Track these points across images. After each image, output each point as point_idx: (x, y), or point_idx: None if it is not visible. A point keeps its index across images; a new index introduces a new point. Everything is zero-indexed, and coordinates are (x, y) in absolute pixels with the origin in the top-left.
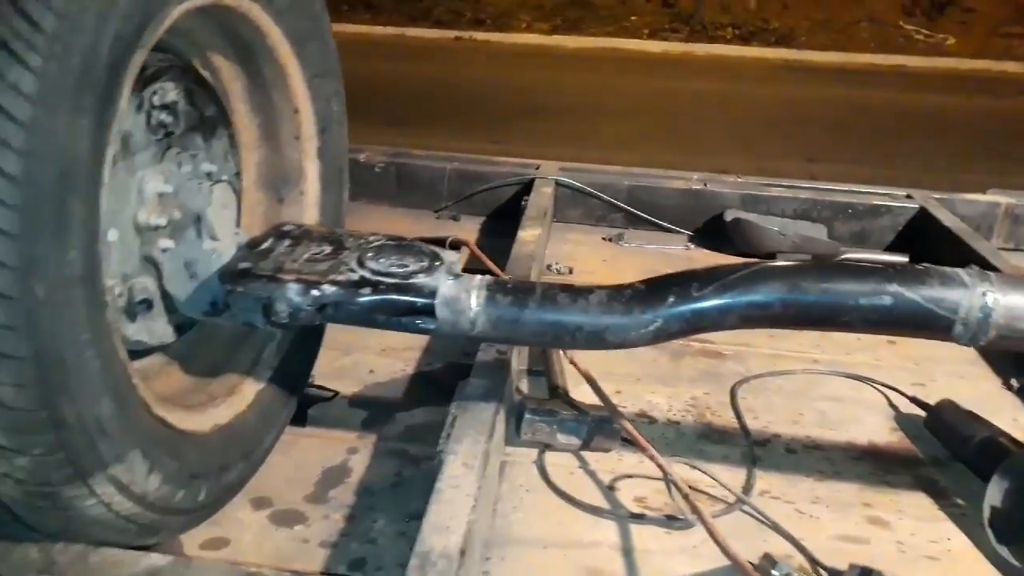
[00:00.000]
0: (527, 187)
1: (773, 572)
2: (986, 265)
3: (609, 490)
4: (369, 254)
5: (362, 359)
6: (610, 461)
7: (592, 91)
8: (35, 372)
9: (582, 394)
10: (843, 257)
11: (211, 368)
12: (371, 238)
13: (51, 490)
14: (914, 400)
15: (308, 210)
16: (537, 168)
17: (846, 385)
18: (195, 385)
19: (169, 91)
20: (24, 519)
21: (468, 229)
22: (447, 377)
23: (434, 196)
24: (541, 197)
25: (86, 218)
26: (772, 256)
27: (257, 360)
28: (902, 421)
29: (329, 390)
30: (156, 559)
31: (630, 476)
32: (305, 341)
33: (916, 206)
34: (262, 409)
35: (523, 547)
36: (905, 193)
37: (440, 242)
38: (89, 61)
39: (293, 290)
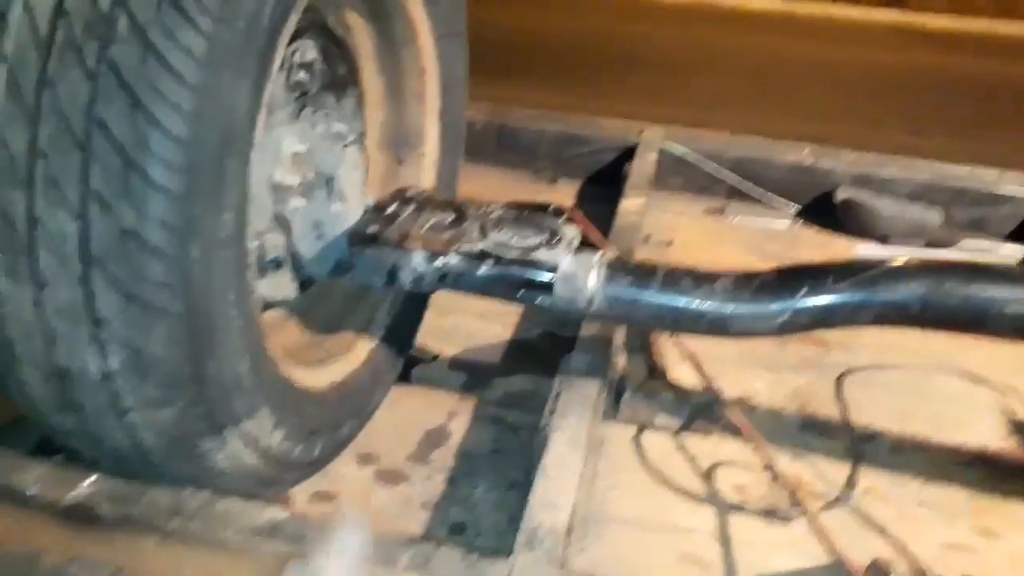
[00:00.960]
0: (629, 151)
1: None
2: None
3: (707, 476)
4: (491, 225)
5: (462, 321)
6: (708, 446)
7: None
8: (186, 329)
9: (682, 374)
10: (960, 245)
11: (328, 325)
12: (492, 208)
13: (189, 441)
14: None
15: (426, 173)
16: (641, 132)
17: (960, 383)
18: (313, 341)
19: (308, 49)
20: (159, 466)
21: (566, 192)
22: (544, 345)
23: (533, 156)
24: (645, 164)
25: (240, 180)
26: (884, 240)
27: (371, 320)
28: (1016, 426)
29: (431, 351)
30: (277, 513)
31: (729, 463)
32: (414, 303)
33: None
34: (373, 368)
35: (620, 527)
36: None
37: (543, 208)
38: (253, 23)
39: (418, 258)
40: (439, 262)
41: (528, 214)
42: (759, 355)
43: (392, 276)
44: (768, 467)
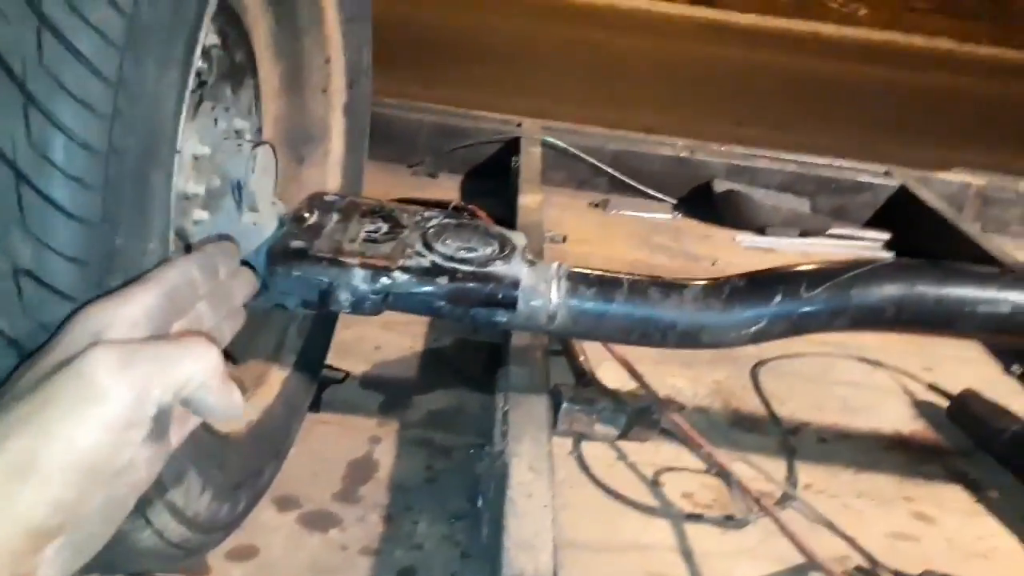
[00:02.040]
0: (508, 145)
1: None
2: (975, 248)
3: (654, 485)
4: (432, 235)
5: (365, 333)
6: (648, 452)
7: (519, 37)
8: None
9: (606, 377)
10: (829, 233)
11: (236, 355)
12: (427, 214)
13: None
14: (933, 387)
15: (331, 172)
16: (519, 125)
17: (859, 369)
18: None
19: (209, 32)
20: None
21: (447, 187)
22: (458, 354)
23: (409, 150)
24: (531, 158)
25: (165, 198)
26: (762, 230)
27: (281, 343)
28: (921, 408)
29: (339, 370)
30: None
31: (672, 469)
32: (324, 319)
33: (896, 184)
34: (288, 399)
35: (578, 550)
36: (884, 170)
37: (442, 207)
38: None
39: (359, 276)
40: (383, 280)
41: (469, 222)
42: (673, 352)
43: (325, 298)
44: (721, 473)
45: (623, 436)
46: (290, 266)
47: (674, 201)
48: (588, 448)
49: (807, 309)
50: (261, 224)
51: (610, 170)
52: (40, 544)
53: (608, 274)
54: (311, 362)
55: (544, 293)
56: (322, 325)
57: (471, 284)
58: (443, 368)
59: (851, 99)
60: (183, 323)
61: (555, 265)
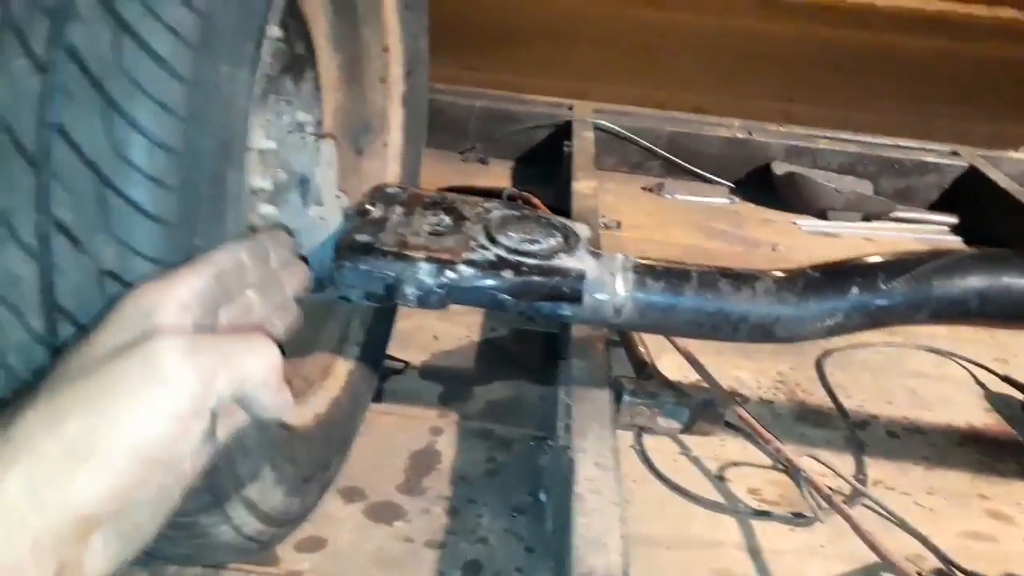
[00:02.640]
0: (559, 129)
1: None
2: None
3: (719, 480)
4: (495, 227)
5: (423, 323)
6: (711, 446)
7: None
8: None
9: (668, 368)
10: (893, 216)
11: (301, 349)
12: (487, 205)
13: (188, 520)
14: (1007, 380)
15: (390, 164)
16: (570, 108)
17: (929, 360)
18: (291, 370)
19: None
20: (153, 549)
21: (498, 173)
22: (515, 345)
23: (459, 136)
24: (584, 142)
25: (240, 197)
26: (823, 214)
27: (345, 336)
28: (994, 401)
29: (399, 360)
30: None
31: (737, 464)
32: (386, 311)
33: (965, 164)
34: (352, 391)
35: (645, 546)
36: (951, 150)
37: (495, 194)
38: None
39: (425, 270)
40: (449, 274)
41: (530, 213)
42: (737, 343)
43: (391, 292)
44: (789, 469)
45: (686, 430)
46: (357, 260)
47: (731, 184)
48: (650, 442)
49: (885, 302)
50: (327, 218)
51: (665, 153)
52: (88, 531)
53: (676, 266)
54: (374, 354)
55: (610, 286)
56: (384, 317)
57: (536, 278)
58: (500, 358)
59: (908, 73)
60: (232, 309)
61: (620, 257)
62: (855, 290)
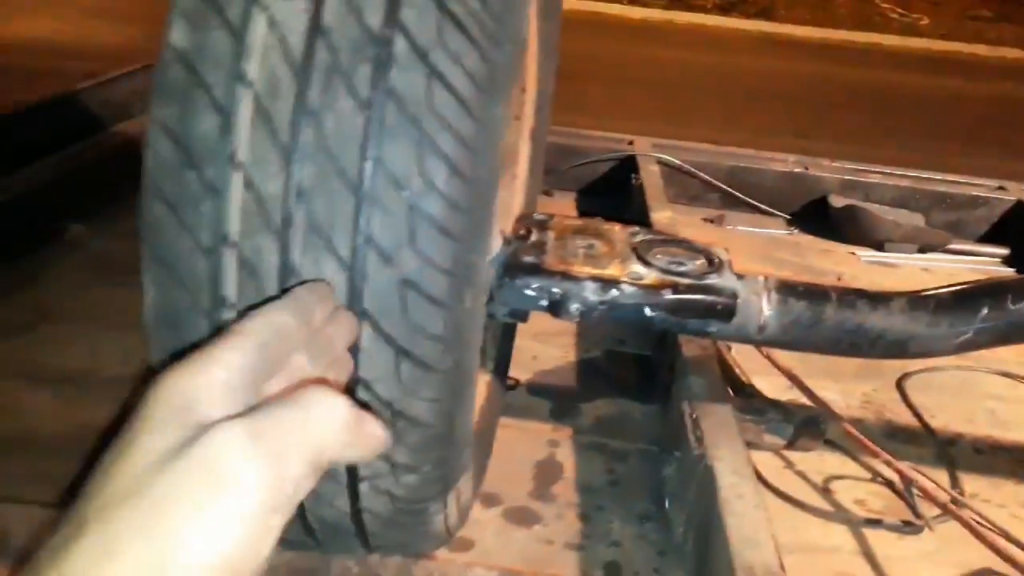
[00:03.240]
0: (621, 163)
1: None
2: None
3: (825, 492)
4: (642, 248)
5: (521, 344)
6: (813, 461)
7: (577, 56)
8: (449, 385)
9: (761, 388)
10: (947, 248)
11: None
12: (631, 230)
13: (420, 507)
14: None
15: (517, 194)
16: (630, 143)
17: (1002, 383)
18: None
19: None
20: (370, 537)
21: (563, 204)
22: (610, 365)
23: None
24: (652, 176)
25: (493, 217)
26: (880, 245)
27: (483, 353)
28: None
29: (512, 378)
30: (480, 572)
31: (840, 477)
32: (510, 331)
33: (1013, 199)
34: (491, 403)
35: None
36: (998, 184)
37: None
38: (517, 44)
39: (590, 288)
40: (612, 292)
41: (671, 236)
42: (817, 364)
43: (556, 307)
44: (901, 478)
45: (789, 446)
46: (526, 279)
47: (787, 216)
48: (755, 456)
49: (1014, 320)
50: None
51: (724, 186)
52: None
53: (816, 286)
54: (502, 370)
55: (755, 305)
56: (508, 336)
57: (693, 296)
58: (598, 377)
59: (915, 110)
60: (281, 379)
61: (762, 278)
62: (985, 310)
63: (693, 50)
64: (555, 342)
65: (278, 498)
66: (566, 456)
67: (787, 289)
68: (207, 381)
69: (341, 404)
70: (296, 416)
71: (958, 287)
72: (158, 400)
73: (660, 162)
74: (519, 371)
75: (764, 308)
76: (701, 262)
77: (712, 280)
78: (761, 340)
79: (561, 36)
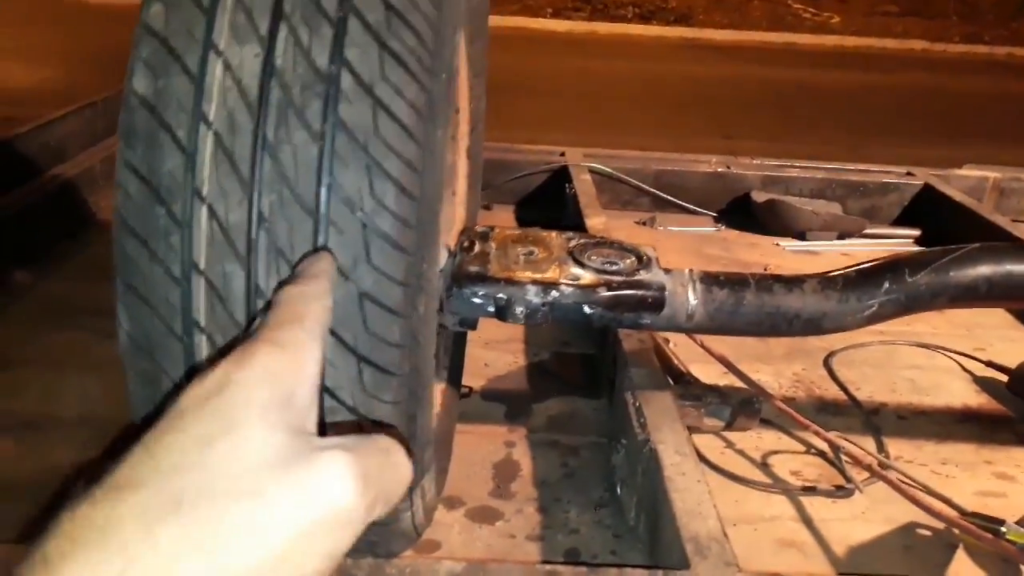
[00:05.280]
0: (555, 175)
1: (1002, 529)
2: (1004, 234)
3: (764, 466)
4: (577, 252)
5: (473, 353)
6: (751, 439)
7: (506, 70)
8: (408, 388)
9: (699, 375)
10: (864, 233)
11: None
12: (566, 236)
13: None
14: (990, 364)
15: (458, 209)
16: (562, 155)
17: (920, 354)
18: None
19: None
20: None
21: (502, 218)
22: (559, 366)
23: None
24: (585, 185)
25: (440, 231)
26: (802, 235)
27: (436, 362)
28: (983, 384)
29: (466, 386)
30: (452, 565)
31: (777, 452)
32: (460, 341)
33: (920, 183)
34: (448, 409)
35: None
36: (906, 171)
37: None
38: (451, 74)
39: (532, 291)
40: (552, 294)
41: (603, 239)
42: (749, 350)
43: (502, 312)
44: (831, 447)
45: (728, 427)
46: (473, 287)
47: (714, 214)
48: (698, 440)
49: (913, 291)
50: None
51: (653, 190)
52: None
53: (735, 275)
54: (455, 378)
55: (682, 295)
56: (459, 345)
57: (625, 291)
58: (548, 378)
59: (832, 105)
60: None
61: (687, 271)
62: (886, 284)
63: (618, 59)
64: (505, 348)
65: (353, 540)
66: (522, 455)
67: (710, 279)
68: (302, 378)
69: (411, 466)
70: (385, 467)
71: (861, 265)
72: (257, 382)
73: (592, 171)
74: (473, 379)
75: (691, 298)
76: (631, 260)
77: (642, 276)
78: (691, 328)
79: (490, 53)
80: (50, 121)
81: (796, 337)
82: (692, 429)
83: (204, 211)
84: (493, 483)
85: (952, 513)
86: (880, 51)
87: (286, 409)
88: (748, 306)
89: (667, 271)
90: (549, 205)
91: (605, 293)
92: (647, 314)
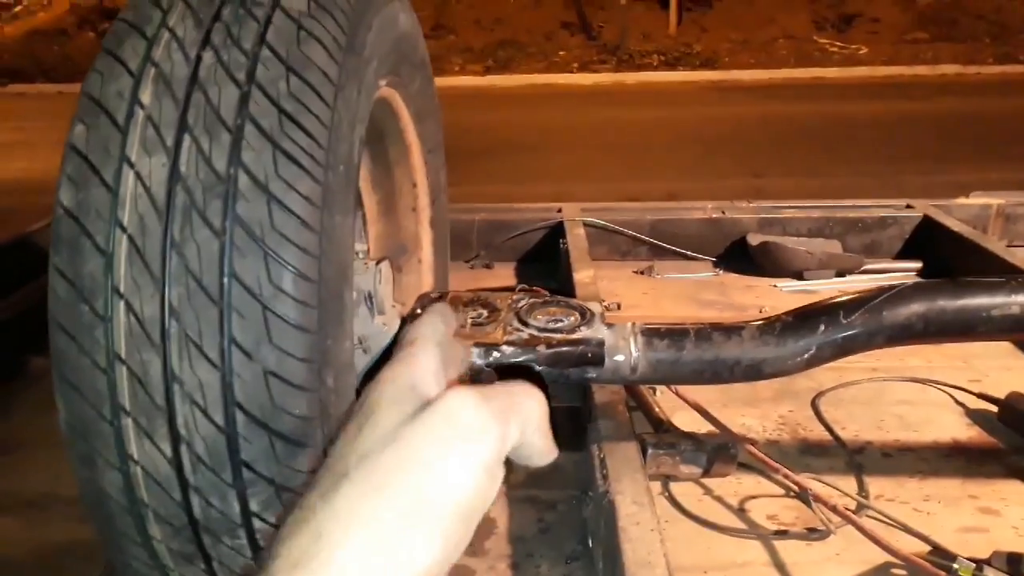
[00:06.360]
0: (553, 230)
1: (955, 565)
2: (1002, 263)
3: (740, 511)
4: (524, 312)
5: None
6: (730, 484)
7: (534, 127)
8: (321, 458)
9: (682, 423)
10: (864, 268)
11: None
12: (516, 297)
13: None
14: (982, 396)
15: (424, 276)
16: (559, 211)
17: (910, 389)
18: None
19: None
20: None
21: (504, 275)
22: None
23: (464, 247)
24: (577, 239)
25: (351, 307)
26: (799, 275)
27: None
28: (973, 416)
29: None
30: None
31: (755, 496)
32: None
33: (920, 215)
34: None
35: (684, 572)
36: (905, 203)
37: (511, 290)
38: (348, 166)
39: (475, 353)
40: (494, 354)
41: (552, 299)
42: (736, 394)
43: None
44: (799, 492)
45: (706, 473)
46: None
47: (713, 259)
48: (676, 487)
49: (848, 333)
50: (388, 324)
51: (650, 239)
52: None
53: (676, 325)
54: None
55: (625, 348)
56: None
57: (564, 348)
58: None
59: (865, 136)
60: (451, 370)
61: (630, 324)
62: (822, 327)
63: (645, 107)
64: None
65: (503, 452)
66: (499, 512)
67: (651, 332)
68: (421, 370)
69: (543, 396)
70: (513, 390)
71: (798, 309)
72: (385, 386)
73: (587, 224)
74: None
75: (633, 351)
76: (575, 317)
77: (582, 332)
78: (636, 379)
79: (517, 111)
80: None
81: (740, 383)
82: (669, 477)
83: (122, 306)
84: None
85: (907, 552)
86: (912, 78)
87: (412, 392)
88: (688, 356)
89: (609, 326)
90: (549, 260)
91: (544, 351)
92: (590, 368)
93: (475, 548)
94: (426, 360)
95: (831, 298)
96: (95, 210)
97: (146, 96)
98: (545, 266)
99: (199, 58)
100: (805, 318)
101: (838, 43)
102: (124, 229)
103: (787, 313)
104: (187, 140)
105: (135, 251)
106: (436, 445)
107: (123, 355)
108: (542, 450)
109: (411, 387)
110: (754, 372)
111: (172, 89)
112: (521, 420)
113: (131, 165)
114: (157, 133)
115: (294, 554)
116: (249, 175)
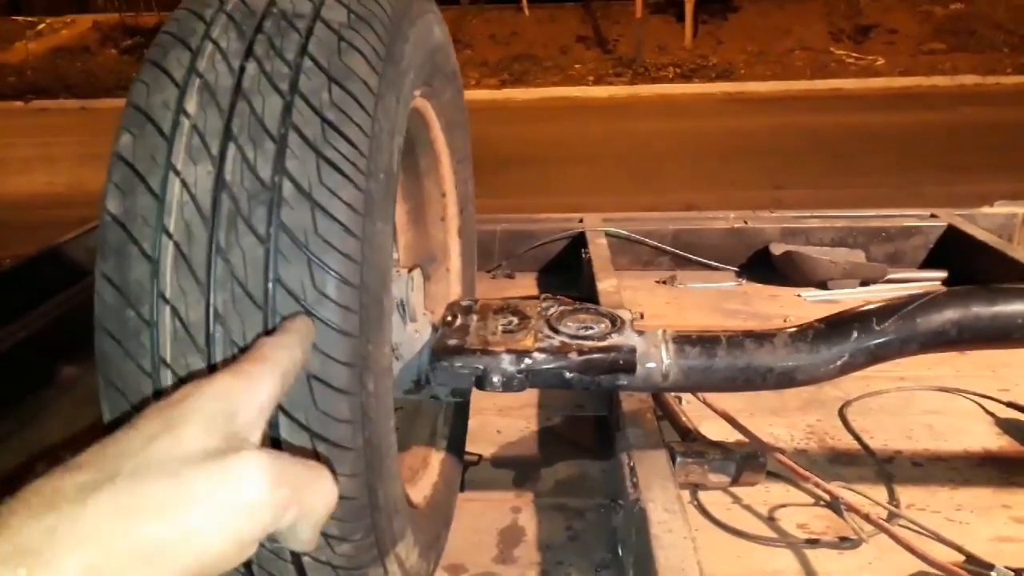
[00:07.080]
0: (575, 240)
1: (992, 574)
2: None
3: (770, 520)
4: (555, 320)
5: (486, 420)
6: (759, 493)
7: (551, 140)
8: (364, 461)
9: (710, 432)
10: (889, 278)
11: (403, 442)
12: (545, 304)
13: (359, 573)
14: (1011, 405)
15: (452, 285)
16: (580, 221)
17: (939, 398)
18: (399, 460)
19: None
20: None
21: (526, 285)
22: (569, 430)
23: (487, 257)
24: (599, 249)
25: (390, 313)
26: (823, 284)
27: (434, 432)
28: (1003, 425)
29: (473, 454)
30: None
31: (784, 505)
32: (462, 410)
33: (944, 224)
34: (446, 478)
35: None
36: (929, 213)
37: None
38: (389, 173)
39: (507, 360)
40: (526, 361)
41: (582, 306)
42: (763, 403)
43: (480, 381)
44: (830, 501)
45: (735, 482)
46: (452, 359)
47: (736, 268)
48: (705, 496)
49: (882, 340)
50: (420, 331)
51: (672, 249)
52: None
53: (707, 333)
54: (457, 446)
55: (656, 356)
56: (461, 414)
57: (596, 355)
58: (559, 443)
59: (883, 147)
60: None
61: (660, 331)
62: (855, 334)
63: (661, 119)
64: (519, 415)
65: (266, 532)
66: (528, 520)
67: (682, 339)
68: (250, 399)
69: (336, 491)
70: (307, 480)
71: (830, 317)
72: (205, 401)
73: (609, 235)
74: (484, 446)
75: (664, 358)
76: (605, 324)
77: (613, 339)
78: (668, 387)
79: (533, 125)
80: (96, 226)
81: (771, 391)
82: (698, 486)
83: (168, 311)
84: (497, 549)
85: (943, 561)
86: (930, 89)
87: (228, 421)
88: (721, 363)
89: (640, 333)
90: (570, 270)
91: (576, 358)
92: (622, 375)
93: (505, 557)
94: (261, 390)
95: (863, 305)
96: (142, 217)
97: (191, 106)
98: (566, 276)
99: (242, 69)
100: (838, 325)
101: (855, 54)
102: (170, 236)
103: (819, 320)
104: (232, 149)
105: (181, 257)
106: (209, 506)
107: (168, 359)
108: (304, 542)
109: (231, 415)
110: (787, 379)
111: (216, 99)
112: (301, 513)
113: (177, 173)
114: (202, 142)
115: (22, 535)
116: (293, 182)
